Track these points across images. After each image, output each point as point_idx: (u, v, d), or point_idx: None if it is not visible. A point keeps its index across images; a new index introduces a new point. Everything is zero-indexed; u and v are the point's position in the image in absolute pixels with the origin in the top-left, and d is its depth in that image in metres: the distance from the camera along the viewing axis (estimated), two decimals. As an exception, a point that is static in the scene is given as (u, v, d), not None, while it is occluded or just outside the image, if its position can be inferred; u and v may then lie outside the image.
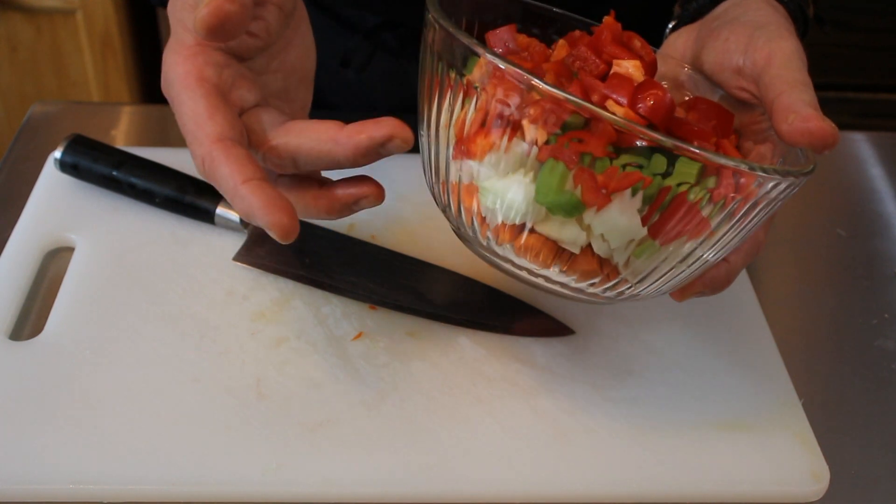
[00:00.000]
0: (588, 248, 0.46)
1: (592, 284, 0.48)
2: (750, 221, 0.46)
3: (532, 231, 0.46)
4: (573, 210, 0.44)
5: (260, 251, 0.64)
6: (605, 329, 0.61)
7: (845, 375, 0.62)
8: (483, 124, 0.45)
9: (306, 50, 0.52)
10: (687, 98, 0.54)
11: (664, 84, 0.54)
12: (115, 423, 0.53)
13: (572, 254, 0.46)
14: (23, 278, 0.62)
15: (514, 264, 0.49)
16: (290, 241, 0.43)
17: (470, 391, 0.56)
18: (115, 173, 0.66)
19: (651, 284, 0.48)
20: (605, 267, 0.47)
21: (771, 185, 0.44)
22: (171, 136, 0.82)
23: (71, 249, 0.65)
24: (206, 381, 0.56)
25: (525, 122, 0.44)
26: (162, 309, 0.60)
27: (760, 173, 0.43)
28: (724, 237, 0.46)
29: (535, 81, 0.42)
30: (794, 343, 0.63)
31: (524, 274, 0.49)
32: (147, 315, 0.60)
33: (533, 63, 0.50)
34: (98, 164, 0.67)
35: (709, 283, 0.50)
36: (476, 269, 0.64)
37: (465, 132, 0.46)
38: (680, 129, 0.47)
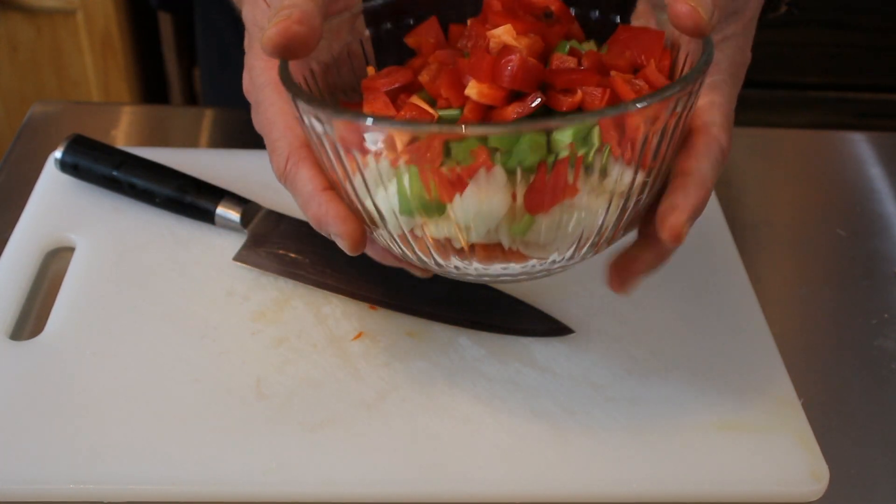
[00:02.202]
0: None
1: (522, 270, 0.47)
2: (637, 151, 0.43)
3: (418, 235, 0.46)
4: (433, 210, 0.44)
5: (260, 251, 0.64)
6: (605, 329, 0.61)
7: (845, 375, 0.62)
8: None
9: None
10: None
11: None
12: (115, 423, 0.53)
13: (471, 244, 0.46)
14: (23, 278, 0.62)
15: (457, 268, 0.48)
16: (357, 253, 0.47)
17: (470, 391, 0.57)
18: (115, 173, 0.66)
19: (572, 248, 0.46)
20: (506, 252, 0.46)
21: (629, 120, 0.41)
22: (171, 136, 0.82)
23: (71, 249, 0.65)
24: (206, 381, 0.56)
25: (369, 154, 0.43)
26: (162, 309, 0.60)
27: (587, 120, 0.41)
28: (604, 185, 0.44)
29: (365, 123, 0.42)
30: (794, 343, 0.63)
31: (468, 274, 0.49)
32: (147, 315, 0.60)
33: (423, 58, 0.49)
34: (98, 164, 0.67)
35: (689, 206, 0.45)
36: (476, 269, 0.64)
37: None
38: (559, 78, 0.45)
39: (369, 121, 0.42)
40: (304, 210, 0.48)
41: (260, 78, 0.49)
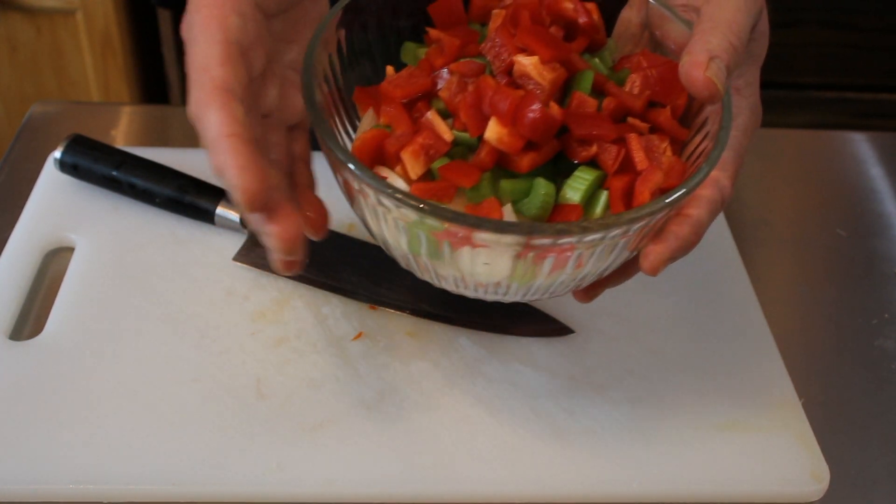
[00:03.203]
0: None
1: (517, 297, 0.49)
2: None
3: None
4: (441, 257, 0.45)
5: (260, 251, 0.64)
6: (605, 329, 0.61)
7: (845, 375, 0.62)
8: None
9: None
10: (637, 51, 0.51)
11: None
12: (115, 423, 0.53)
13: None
14: (23, 278, 0.62)
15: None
16: (255, 211, 0.41)
17: (470, 391, 0.56)
18: (115, 173, 0.66)
19: (557, 285, 0.48)
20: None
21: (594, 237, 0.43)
22: (171, 136, 0.82)
23: (71, 249, 0.65)
24: (206, 381, 0.56)
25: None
26: (162, 309, 0.60)
27: (579, 237, 0.42)
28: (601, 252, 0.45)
29: (388, 200, 0.42)
30: (794, 343, 0.63)
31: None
32: (147, 315, 0.60)
33: (445, 59, 0.48)
34: (98, 164, 0.67)
35: (676, 248, 0.46)
36: (476, 269, 0.64)
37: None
38: (578, 128, 0.45)
39: (397, 198, 0.42)
40: (209, 157, 0.42)
41: (196, 14, 0.44)
